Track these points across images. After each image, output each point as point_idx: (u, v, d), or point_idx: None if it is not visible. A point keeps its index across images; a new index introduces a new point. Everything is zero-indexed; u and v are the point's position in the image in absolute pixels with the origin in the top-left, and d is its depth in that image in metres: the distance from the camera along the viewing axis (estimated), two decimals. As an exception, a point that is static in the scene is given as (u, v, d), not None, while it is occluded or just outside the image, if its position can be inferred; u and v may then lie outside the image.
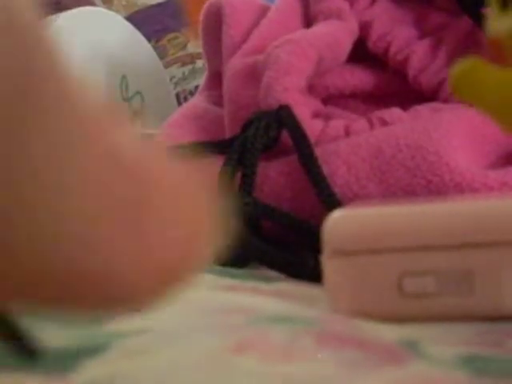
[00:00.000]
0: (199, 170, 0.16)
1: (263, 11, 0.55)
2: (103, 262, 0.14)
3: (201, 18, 0.57)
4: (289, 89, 0.47)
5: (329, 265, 0.31)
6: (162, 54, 0.82)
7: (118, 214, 0.14)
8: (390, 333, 0.27)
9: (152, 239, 0.14)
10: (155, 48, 0.80)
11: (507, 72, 0.22)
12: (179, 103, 0.79)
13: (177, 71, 0.84)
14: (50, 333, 0.27)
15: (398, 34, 0.53)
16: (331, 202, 0.42)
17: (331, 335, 0.26)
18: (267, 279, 0.37)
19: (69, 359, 0.24)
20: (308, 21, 0.54)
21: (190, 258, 0.15)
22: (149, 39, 0.79)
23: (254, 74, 0.50)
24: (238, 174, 0.45)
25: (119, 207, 0.14)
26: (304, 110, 0.47)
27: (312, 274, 0.36)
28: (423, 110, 0.47)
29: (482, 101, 0.22)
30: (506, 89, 0.22)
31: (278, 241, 0.43)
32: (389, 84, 0.53)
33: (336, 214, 0.31)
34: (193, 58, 0.84)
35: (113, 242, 0.14)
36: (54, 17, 0.69)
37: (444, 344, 0.26)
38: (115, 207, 0.14)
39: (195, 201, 0.15)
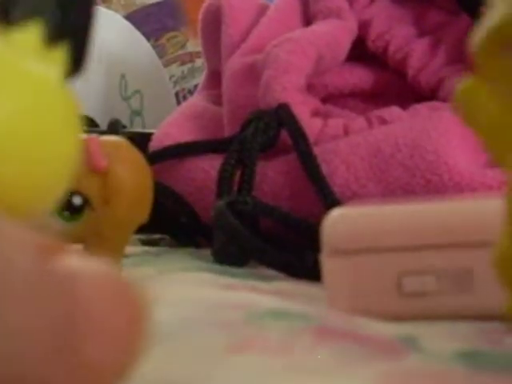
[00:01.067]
0: (130, 283, 0.17)
1: (262, 10, 0.55)
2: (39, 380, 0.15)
3: (200, 17, 0.57)
4: (288, 88, 0.47)
5: (328, 264, 0.31)
6: (161, 52, 0.82)
7: (51, 332, 0.15)
8: (388, 329, 0.27)
9: (85, 353, 0.16)
10: (154, 47, 0.80)
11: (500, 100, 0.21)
12: (178, 102, 0.79)
13: (176, 70, 0.84)
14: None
15: (397, 33, 0.53)
16: (330, 200, 0.42)
17: (329, 330, 0.26)
18: (266, 278, 0.37)
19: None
20: (307, 20, 0.54)
21: (120, 365, 0.17)
22: (148, 38, 0.79)
23: (253, 74, 0.50)
24: (238, 173, 0.45)
25: (52, 324, 0.15)
26: (303, 108, 0.47)
27: (311, 273, 0.36)
28: (422, 108, 0.47)
29: (478, 126, 0.21)
30: (497, 117, 0.21)
31: (277, 240, 0.43)
32: (388, 83, 0.53)
33: (335, 213, 0.31)
34: (192, 57, 0.84)
35: (47, 359, 0.15)
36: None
37: (442, 341, 0.26)
38: (49, 325, 0.15)
39: (126, 312, 0.17)
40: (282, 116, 0.46)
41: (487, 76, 0.21)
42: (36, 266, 0.16)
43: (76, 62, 0.20)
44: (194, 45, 0.83)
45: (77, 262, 0.17)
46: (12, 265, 0.16)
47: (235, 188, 0.45)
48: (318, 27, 0.51)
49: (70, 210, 0.35)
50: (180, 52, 0.84)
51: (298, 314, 0.28)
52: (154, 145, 0.52)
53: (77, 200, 0.34)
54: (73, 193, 0.34)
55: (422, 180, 0.43)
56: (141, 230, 0.38)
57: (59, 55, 0.20)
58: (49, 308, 0.16)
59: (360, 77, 0.53)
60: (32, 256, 0.16)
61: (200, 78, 0.64)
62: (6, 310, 0.15)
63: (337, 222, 0.31)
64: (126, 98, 0.74)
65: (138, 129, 0.71)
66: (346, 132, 0.47)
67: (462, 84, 0.21)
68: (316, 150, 0.45)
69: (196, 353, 0.24)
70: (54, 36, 0.20)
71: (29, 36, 0.19)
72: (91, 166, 0.34)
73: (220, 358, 0.24)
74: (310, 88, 0.50)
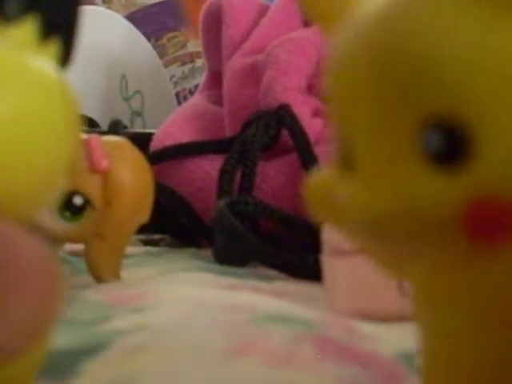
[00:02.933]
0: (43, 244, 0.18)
1: (263, 11, 0.55)
2: None
3: (200, 17, 0.57)
4: (288, 88, 0.47)
5: (328, 264, 0.31)
6: (161, 53, 0.82)
7: None
8: (387, 342, 0.27)
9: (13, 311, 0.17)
10: (155, 47, 0.80)
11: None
12: (179, 102, 0.79)
13: (176, 70, 0.84)
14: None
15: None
16: (331, 201, 0.42)
17: (331, 343, 0.26)
18: (267, 278, 0.37)
19: (69, 362, 0.24)
20: (308, 20, 0.54)
21: (44, 319, 0.18)
22: (148, 38, 0.79)
23: (253, 74, 0.50)
24: (238, 174, 0.46)
25: None
26: (304, 109, 0.47)
27: (312, 274, 0.36)
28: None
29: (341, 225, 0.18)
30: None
31: (278, 240, 0.43)
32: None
33: (336, 214, 0.31)
34: (192, 57, 0.84)
35: None
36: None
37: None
38: None
39: (46, 273, 0.18)
40: (283, 116, 0.46)
41: None
42: None
43: (65, 57, 0.21)
44: (195, 45, 0.83)
45: (11, 229, 0.18)
46: None
47: (236, 188, 0.45)
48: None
49: (71, 209, 0.35)
50: (180, 52, 0.84)
51: (300, 320, 0.28)
52: (155, 145, 0.52)
53: (78, 200, 0.34)
54: (74, 193, 0.34)
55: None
56: (141, 230, 0.38)
57: (52, 50, 0.20)
58: None
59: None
60: None
61: (200, 79, 0.64)
62: None
63: (337, 222, 0.31)
64: (126, 99, 0.74)
65: (138, 129, 0.71)
66: (347, 132, 0.47)
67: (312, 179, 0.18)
68: (317, 150, 0.45)
69: (196, 354, 0.24)
70: (47, 31, 0.20)
71: (25, 32, 0.19)
72: (92, 166, 0.34)
73: (220, 361, 0.24)
74: (310, 88, 0.50)
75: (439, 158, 0.14)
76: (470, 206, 0.14)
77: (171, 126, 0.53)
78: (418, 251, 0.16)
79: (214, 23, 0.55)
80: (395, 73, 0.14)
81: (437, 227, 0.15)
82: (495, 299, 0.15)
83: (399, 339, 0.28)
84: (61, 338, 0.26)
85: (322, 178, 0.17)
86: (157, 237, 0.53)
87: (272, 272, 0.38)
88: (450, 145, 0.14)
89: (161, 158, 0.50)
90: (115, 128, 0.57)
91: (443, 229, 0.14)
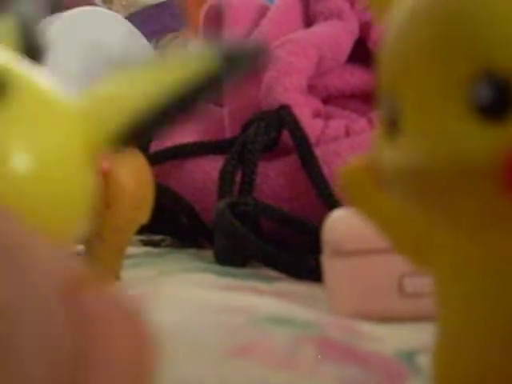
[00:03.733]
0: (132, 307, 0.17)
1: (263, 11, 0.55)
2: None
3: (201, 18, 0.57)
4: (289, 89, 0.47)
5: (329, 265, 0.31)
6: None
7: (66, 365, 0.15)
8: (388, 342, 0.27)
9: None
10: (155, 48, 0.80)
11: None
12: (179, 103, 0.79)
13: (177, 71, 0.83)
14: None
15: (398, 34, 0.53)
16: (331, 201, 0.42)
17: (332, 345, 0.26)
18: (268, 279, 0.37)
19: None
20: (308, 21, 0.54)
21: None
22: (149, 39, 0.79)
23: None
24: (239, 174, 0.45)
25: (67, 358, 0.15)
26: (304, 110, 0.47)
27: (312, 274, 0.36)
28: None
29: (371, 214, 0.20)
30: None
31: (278, 241, 0.43)
32: (389, 84, 0.53)
33: (336, 214, 0.31)
34: (193, 58, 0.84)
35: None
36: (53, 17, 0.69)
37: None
38: (63, 358, 0.15)
39: (136, 346, 0.17)
40: (284, 117, 0.46)
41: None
42: (57, 299, 0.16)
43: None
44: (195, 46, 0.83)
45: (93, 298, 0.17)
46: (35, 290, 0.15)
47: (236, 189, 0.45)
48: (319, 28, 0.51)
49: (71, 211, 0.35)
50: (181, 53, 0.84)
51: (300, 321, 0.28)
52: (155, 146, 0.52)
53: (78, 201, 0.34)
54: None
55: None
56: (142, 230, 0.38)
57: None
58: (63, 342, 0.15)
59: (361, 78, 0.53)
60: (57, 287, 0.16)
61: (201, 79, 0.64)
62: (20, 335, 0.15)
63: (338, 223, 0.31)
64: (127, 99, 0.74)
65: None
66: (348, 133, 0.47)
67: (346, 168, 0.19)
68: (317, 151, 0.45)
69: (196, 355, 0.24)
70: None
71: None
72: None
73: (220, 362, 0.24)
74: (311, 89, 0.50)
75: (486, 110, 0.15)
76: (507, 156, 0.15)
77: (172, 127, 0.53)
78: (457, 208, 0.16)
79: (215, 24, 0.55)
80: (450, 29, 0.15)
81: (477, 178, 0.15)
82: None
83: (399, 339, 0.28)
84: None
85: (357, 163, 0.19)
86: (157, 237, 0.53)
87: (272, 273, 0.38)
88: (498, 97, 0.15)
89: (161, 158, 0.50)
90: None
91: (483, 179, 0.15)
